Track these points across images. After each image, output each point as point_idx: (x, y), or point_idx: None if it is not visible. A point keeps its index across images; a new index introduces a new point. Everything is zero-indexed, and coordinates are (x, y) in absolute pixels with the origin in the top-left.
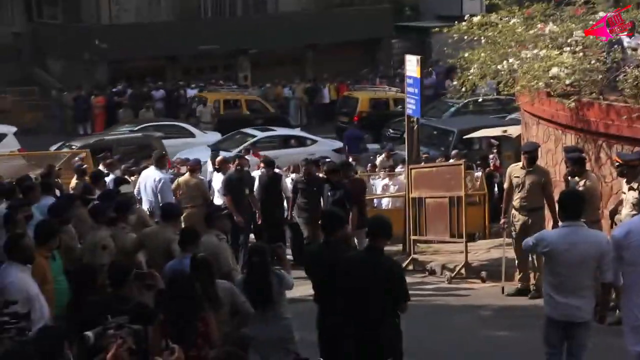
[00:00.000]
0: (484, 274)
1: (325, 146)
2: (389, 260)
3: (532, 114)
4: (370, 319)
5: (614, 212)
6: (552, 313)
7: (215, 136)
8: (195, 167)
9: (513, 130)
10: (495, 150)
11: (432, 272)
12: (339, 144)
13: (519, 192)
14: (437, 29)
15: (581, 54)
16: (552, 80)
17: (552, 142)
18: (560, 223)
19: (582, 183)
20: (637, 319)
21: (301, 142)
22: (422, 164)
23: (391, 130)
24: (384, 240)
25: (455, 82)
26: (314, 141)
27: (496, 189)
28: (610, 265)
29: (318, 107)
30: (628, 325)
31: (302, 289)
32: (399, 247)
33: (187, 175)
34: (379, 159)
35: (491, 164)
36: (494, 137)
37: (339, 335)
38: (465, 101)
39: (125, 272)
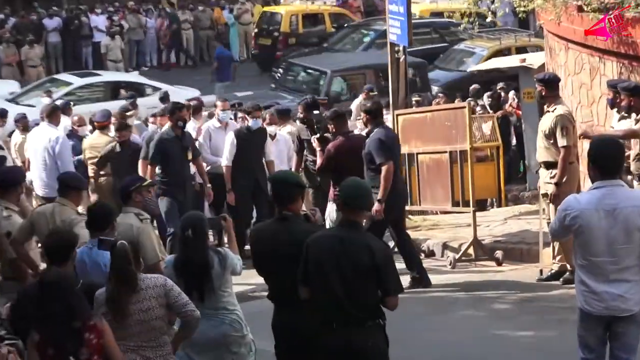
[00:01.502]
0: (499, 253)
1: (175, 96)
2: (371, 239)
3: (558, 36)
4: (349, 321)
5: None
6: (588, 306)
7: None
8: (105, 122)
9: (534, 59)
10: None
11: (430, 254)
12: (194, 92)
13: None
14: None
15: None
16: None
17: (586, 74)
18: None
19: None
20: None
21: (139, 91)
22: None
23: (281, 71)
24: (362, 212)
25: None
26: (157, 89)
27: (514, 139)
28: None
29: None
30: None
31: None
32: None
33: (96, 133)
34: (354, 103)
35: (507, 105)
36: (509, 70)
37: (303, 345)
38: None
39: None
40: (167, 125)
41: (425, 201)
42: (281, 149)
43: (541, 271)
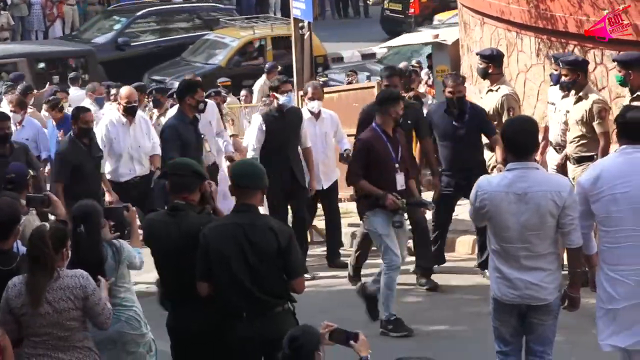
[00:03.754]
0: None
1: None
2: (272, 221)
3: (473, 10)
4: (259, 309)
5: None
6: (501, 294)
7: None
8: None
9: (448, 35)
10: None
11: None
12: None
13: None
14: None
15: None
16: None
17: (502, 50)
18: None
19: (587, 102)
20: (610, 300)
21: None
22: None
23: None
24: (256, 193)
25: None
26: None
27: None
28: (577, 223)
29: None
30: (600, 310)
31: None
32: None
33: None
34: (257, 83)
35: (416, 83)
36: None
37: (201, 344)
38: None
39: None
40: (175, 108)
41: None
42: (326, 130)
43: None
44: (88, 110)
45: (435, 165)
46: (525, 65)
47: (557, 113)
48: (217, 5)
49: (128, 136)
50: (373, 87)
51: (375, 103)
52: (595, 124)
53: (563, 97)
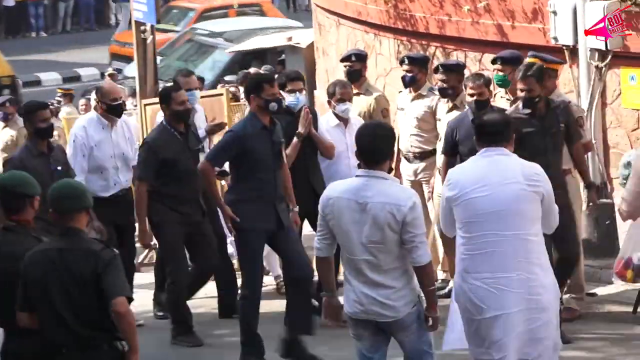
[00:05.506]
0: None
1: None
2: (93, 244)
3: (328, 11)
4: (81, 344)
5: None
6: (350, 308)
7: None
8: None
9: (302, 38)
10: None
11: None
12: None
13: None
14: None
15: None
16: None
17: None
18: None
19: None
20: (478, 310)
21: None
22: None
23: None
24: (81, 214)
25: None
26: None
27: None
28: (422, 240)
29: None
30: (464, 319)
31: None
32: None
33: None
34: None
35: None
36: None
37: None
38: None
39: None
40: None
41: None
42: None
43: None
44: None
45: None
46: (385, 69)
47: (406, 118)
48: None
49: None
50: (221, 94)
51: None
52: None
53: (413, 99)
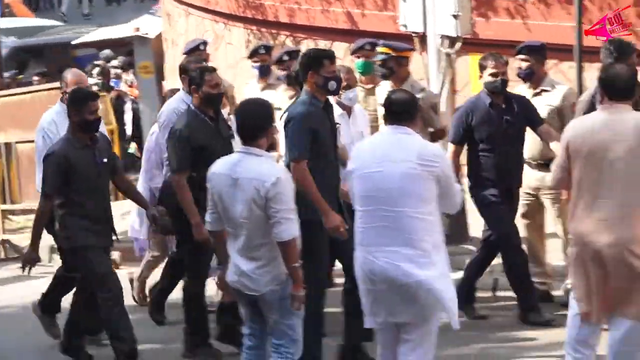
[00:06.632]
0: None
1: None
2: None
3: (177, 1)
4: None
5: None
6: (230, 277)
7: None
8: None
9: (150, 28)
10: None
11: None
12: None
13: None
14: None
15: None
16: None
17: (210, 43)
18: None
19: None
20: (370, 281)
21: None
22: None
23: None
24: None
25: None
26: None
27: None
28: (285, 217)
29: None
30: (362, 290)
31: None
32: None
33: None
34: None
35: (121, 84)
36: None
37: None
38: None
39: None
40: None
41: (29, 198)
42: (362, 129)
43: None
44: None
45: None
46: (235, 58)
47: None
48: None
49: None
50: (59, 87)
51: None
52: None
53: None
